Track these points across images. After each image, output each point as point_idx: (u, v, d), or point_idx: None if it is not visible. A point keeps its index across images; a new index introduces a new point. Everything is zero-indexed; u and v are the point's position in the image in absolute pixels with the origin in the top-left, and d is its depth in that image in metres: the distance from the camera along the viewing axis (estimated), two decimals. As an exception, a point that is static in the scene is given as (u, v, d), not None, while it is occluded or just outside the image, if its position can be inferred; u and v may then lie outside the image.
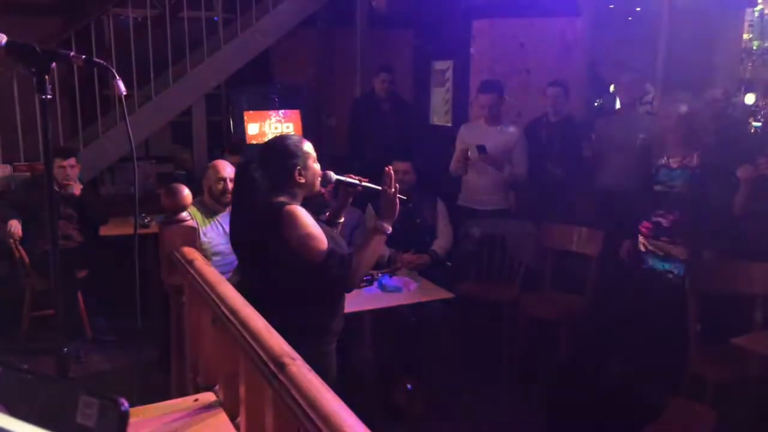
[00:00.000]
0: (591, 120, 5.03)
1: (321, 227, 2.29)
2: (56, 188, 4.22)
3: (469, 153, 4.33)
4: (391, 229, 2.34)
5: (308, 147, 2.35)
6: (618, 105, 5.19)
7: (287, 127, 6.02)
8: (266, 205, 2.25)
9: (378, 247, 2.36)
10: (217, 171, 3.61)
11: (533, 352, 4.14)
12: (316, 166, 2.36)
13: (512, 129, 4.48)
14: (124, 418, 0.75)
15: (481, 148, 4.29)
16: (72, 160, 4.40)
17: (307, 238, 2.20)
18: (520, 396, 3.76)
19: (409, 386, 3.57)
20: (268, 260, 2.30)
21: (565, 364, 4.00)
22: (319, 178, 2.37)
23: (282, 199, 2.27)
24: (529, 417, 3.57)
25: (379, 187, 2.38)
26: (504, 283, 4.36)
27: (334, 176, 2.43)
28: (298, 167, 2.29)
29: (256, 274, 2.40)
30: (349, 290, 2.39)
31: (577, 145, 4.48)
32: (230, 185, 3.61)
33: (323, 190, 2.46)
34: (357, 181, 2.46)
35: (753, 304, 3.31)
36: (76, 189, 4.40)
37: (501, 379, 3.98)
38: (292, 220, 2.20)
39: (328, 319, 2.39)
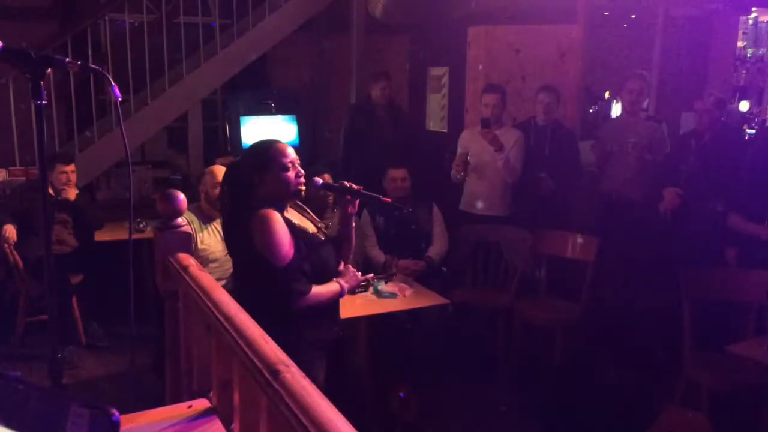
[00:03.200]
0: (586, 126, 5.06)
1: (301, 237, 2.32)
2: (52, 193, 4.21)
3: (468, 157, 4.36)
4: (346, 293, 2.45)
5: (277, 150, 2.34)
6: (617, 111, 5.22)
7: (283, 132, 6.03)
8: (245, 210, 2.30)
9: (335, 295, 2.43)
10: (214, 176, 3.57)
11: (528, 359, 4.13)
12: (290, 170, 2.34)
13: (513, 132, 4.49)
14: (114, 428, 0.75)
15: (484, 122, 4.31)
16: (73, 166, 4.39)
17: (271, 244, 2.24)
18: (514, 402, 3.76)
19: (401, 394, 3.56)
20: (245, 265, 2.37)
21: (560, 370, 4.00)
22: (295, 182, 2.35)
23: (259, 203, 2.30)
24: (523, 423, 3.56)
25: (374, 195, 2.43)
26: (499, 289, 4.37)
27: (319, 182, 2.49)
28: (267, 172, 2.31)
29: (240, 280, 2.47)
30: (293, 309, 2.31)
31: (566, 151, 4.51)
32: None
33: (322, 192, 2.48)
34: (338, 186, 2.48)
35: (747, 311, 3.32)
36: (71, 194, 4.39)
37: (496, 386, 3.97)
38: (262, 224, 2.25)
39: (305, 329, 2.36)
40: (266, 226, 2.24)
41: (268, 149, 2.36)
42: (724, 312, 3.48)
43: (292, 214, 2.42)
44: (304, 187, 2.38)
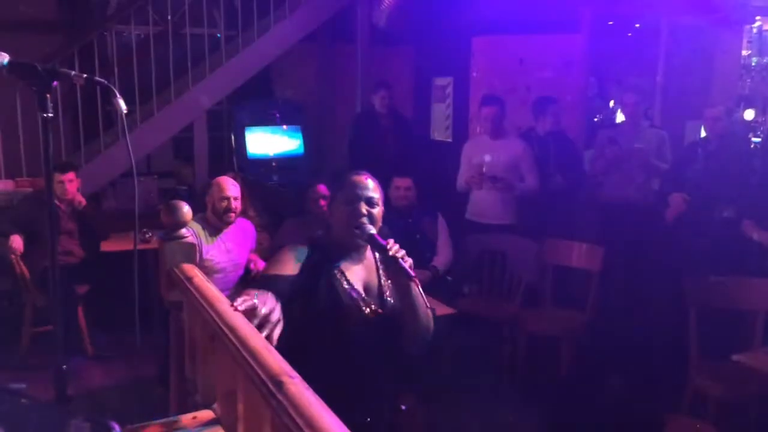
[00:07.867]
0: (590, 135, 5.07)
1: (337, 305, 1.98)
2: (58, 204, 4.22)
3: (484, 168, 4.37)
4: None
5: (348, 180, 2.04)
6: (620, 119, 5.24)
7: (288, 143, 6.06)
8: None
9: None
10: (221, 189, 3.55)
11: (534, 369, 4.12)
12: (352, 203, 1.98)
13: (517, 142, 4.50)
14: (116, 441, 0.75)
15: (493, 180, 4.33)
16: (70, 175, 4.38)
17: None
18: (520, 413, 3.74)
19: (403, 407, 3.53)
20: None
21: (565, 380, 3.99)
22: (348, 220, 1.99)
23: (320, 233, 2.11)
24: (530, 434, 3.55)
25: (408, 270, 1.94)
26: (505, 298, 4.36)
27: (369, 230, 1.98)
28: (333, 201, 2.08)
29: None
30: None
31: (568, 158, 4.55)
32: (234, 204, 3.58)
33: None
34: (383, 245, 1.94)
35: (754, 320, 3.30)
36: (82, 201, 4.43)
37: (501, 396, 3.96)
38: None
39: None
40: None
41: (344, 175, 2.05)
42: (730, 321, 3.46)
43: (359, 271, 2.06)
44: (358, 230, 1.97)
